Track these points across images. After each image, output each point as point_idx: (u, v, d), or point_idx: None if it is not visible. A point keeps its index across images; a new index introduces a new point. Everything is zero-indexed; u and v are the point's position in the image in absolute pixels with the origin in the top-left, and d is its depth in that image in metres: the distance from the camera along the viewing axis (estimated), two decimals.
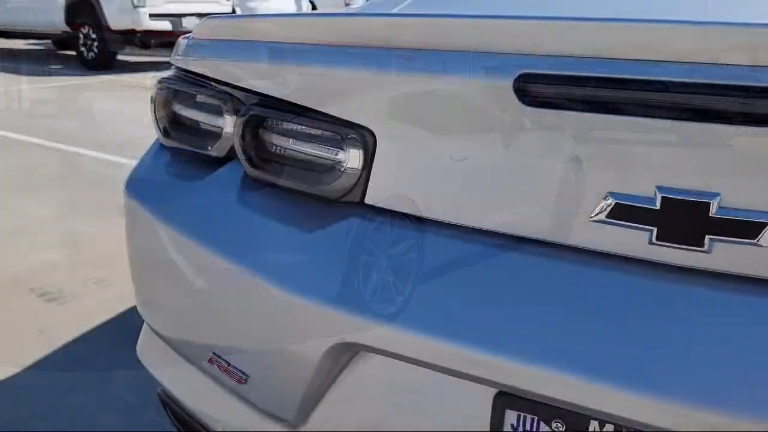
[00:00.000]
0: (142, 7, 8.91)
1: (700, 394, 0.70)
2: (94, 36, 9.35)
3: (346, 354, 0.89)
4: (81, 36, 9.58)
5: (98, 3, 9.18)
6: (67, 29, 9.84)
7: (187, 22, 9.05)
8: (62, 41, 11.56)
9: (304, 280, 0.90)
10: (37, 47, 13.10)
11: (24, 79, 8.84)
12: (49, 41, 12.66)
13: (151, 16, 8.94)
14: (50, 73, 9.32)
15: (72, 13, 9.62)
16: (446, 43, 0.81)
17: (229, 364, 1.02)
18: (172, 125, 1.23)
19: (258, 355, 0.96)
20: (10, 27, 10.65)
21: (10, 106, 7.00)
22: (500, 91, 0.77)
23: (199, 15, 9.17)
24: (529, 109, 0.76)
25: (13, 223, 3.61)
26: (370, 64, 0.87)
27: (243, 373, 0.99)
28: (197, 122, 1.18)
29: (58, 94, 7.65)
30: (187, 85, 1.16)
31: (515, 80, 0.76)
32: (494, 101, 0.77)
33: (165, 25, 9.09)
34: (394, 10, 1.09)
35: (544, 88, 0.75)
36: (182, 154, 1.22)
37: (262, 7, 10.55)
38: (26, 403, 2.06)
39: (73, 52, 10.61)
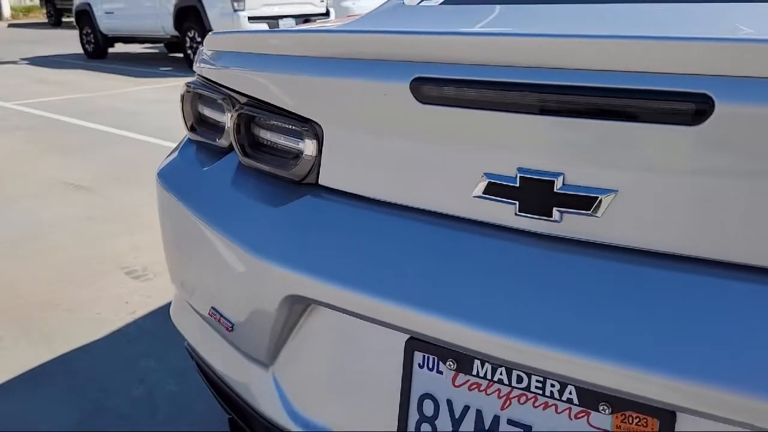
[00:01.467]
0: (242, 10, 9.43)
1: (547, 335, 0.86)
2: (199, 39, 9.97)
3: (298, 306, 1.10)
4: (187, 39, 10.24)
5: (203, 8, 9.78)
6: (176, 33, 10.53)
7: (284, 24, 9.50)
8: (173, 45, 12.38)
9: (267, 245, 1.12)
10: (151, 50, 14.03)
11: (134, 80, 9.57)
12: (162, 45, 13.56)
13: (250, 18, 9.44)
14: (159, 75, 10.03)
15: (180, 19, 10.29)
16: (365, 53, 1.00)
17: (221, 316, 1.25)
18: (195, 122, 1.47)
19: (238, 307, 1.19)
20: (125, 33, 11.50)
21: (118, 105, 7.63)
22: (401, 92, 0.95)
23: (295, 17, 9.61)
24: (422, 106, 0.95)
25: (107, 210, 4.05)
26: (316, 70, 1.07)
27: (230, 322, 1.23)
28: (210, 119, 1.42)
29: (164, 95, 8.25)
30: (203, 88, 1.40)
31: (411, 82, 0.94)
32: (398, 100, 0.96)
33: (263, 28, 9.57)
34: (342, 26, 1.29)
35: (433, 89, 0.93)
36: (202, 145, 1.46)
37: (356, 6, 10.89)
38: (104, 365, 2.40)
39: (182, 55, 11.35)
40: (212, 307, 1.27)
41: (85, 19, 12.12)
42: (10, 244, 3.56)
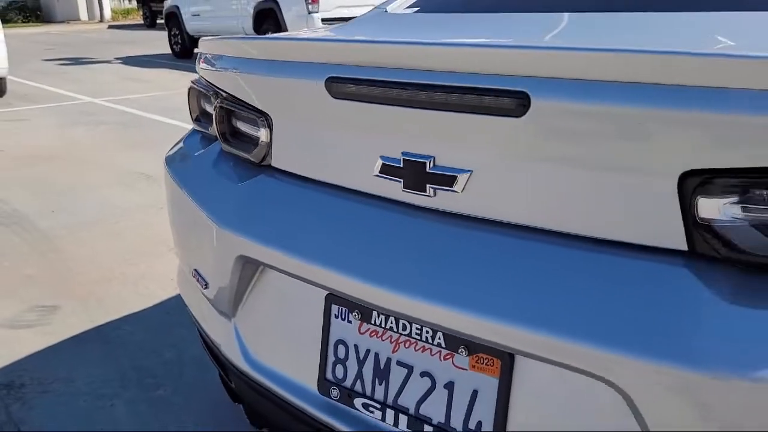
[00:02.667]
0: (316, 12, 9.79)
1: (421, 290, 1.05)
2: None
3: (249, 266, 1.32)
4: None
5: (279, 10, 10.20)
6: (255, 35, 11.02)
7: None
8: None
9: (227, 215, 1.35)
10: None
11: None
12: None
13: (324, 20, 9.78)
14: None
15: (259, 20, 10.76)
16: (297, 56, 1.22)
17: (199, 276, 1.49)
18: (197, 114, 1.72)
19: (209, 267, 1.43)
20: (209, 33, 12.09)
21: None
22: (319, 89, 1.16)
23: None
24: (334, 100, 1.15)
25: (155, 196, 4.41)
26: (267, 71, 1.30)
27: (205, 281, 1.46)
28: (205, 111, 1.66)
29: None
30: (201, 85, 1.65)
31: (325, 81, 1.15)
32: (318, 95, 1.17)
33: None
34: (290, 35, 1.50)
35: (341, 87, 1.13)
36: (201, 135, 1.71)
37: None
38: (144, 332, 2.71)
39: None
40: (194, 269, 1.52)
41: (174, 20, 12.82)
42: (80, 226, 3.96)
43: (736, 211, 0.84)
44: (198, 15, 12.19)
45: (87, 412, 2.23)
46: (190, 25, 12.47)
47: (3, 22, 21.62)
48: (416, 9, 1.77)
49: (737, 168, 0.83)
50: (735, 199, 0.84)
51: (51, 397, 2.32)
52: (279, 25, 10.34)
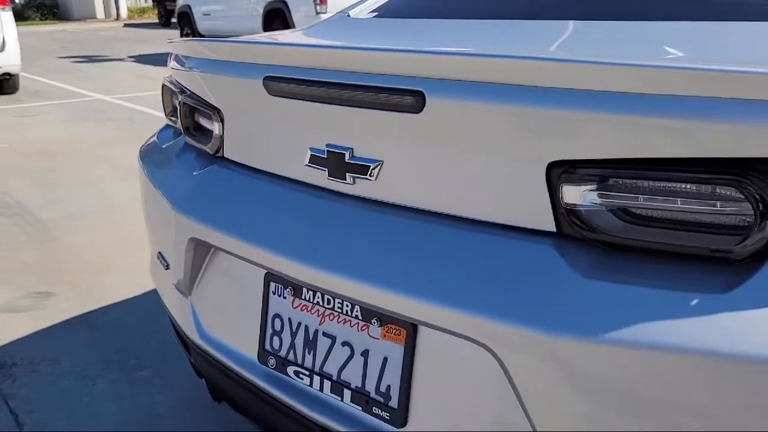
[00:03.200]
0: (324, 13, 9.93)
1: (341, 268, 1.18)
2: None
3: (201, 248, 1.46)
4: None
5: (288, 10, 10.36)
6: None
7: None
8: None
9: (182, 201, 1.48)
10: None
11: None
12: None
13: None
14: None
15: (268, 20, 10.93)
16: (241, 57, 1.35)
17: (162, 257, 1.63)
18: (169, 109, 1.86)
19: (169, 249, 1.56)
20: (220, 33, 12.27)
21: None
22: (258, 86, 1.29)
23: None
24: (271, 97, 1.28)
25: None
26: (218, 70, 1.43)
27: (166, 261, 1.60)
28: (175, 107, 1.80)
29: None
30: (171, 83, 1.78)
31: (263, 80, 1.28)
32: (257, 92, 1.30)
33: None
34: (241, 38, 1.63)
35: (275, 85, 1.26)
36: (172, 128, 1.85)
37: None
38: (133, 317, 2.86)
39: None
40: (159, 252, 1.65)
41: (186, 20, 13.02)
42: (79, 218, 4.12)
43: (594, 197, 0.96)
44: (209, 14, 12.38)
45: (70, 389, 2.38)
46: (202, 25, 12.67)
47: (21, 20, 21.97)
48: (375, 14, 1.89)
49: (594, 159, 0.95)
50: (593, 186, 0.96)
51: (38, 376, 2.47)
52: (288, 26, 10.49)
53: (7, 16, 8.10)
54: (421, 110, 1.06)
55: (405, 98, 1.06)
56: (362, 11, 1.94)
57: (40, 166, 5.35)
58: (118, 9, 23.57)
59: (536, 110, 0.97)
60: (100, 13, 23.50)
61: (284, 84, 1.24)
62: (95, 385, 2.40)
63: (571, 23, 1.44)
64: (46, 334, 2.77)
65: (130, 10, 24.43)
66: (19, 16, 22.47)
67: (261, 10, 11.04)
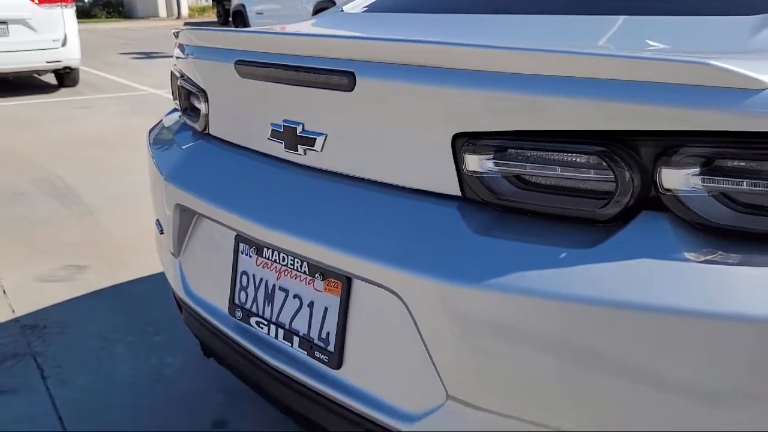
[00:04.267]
0: None
1: (292, 228, 1.35)
2: None
3: (185, 213, 1.64)
4: None
5: None
6: None
7: None
8: None
9: (172, 172, 1.67)
10: None
11: None
12: None
13: None
14: None
15: None
16: (219, 44, 1.53)
17: (158, 223, 1.82)
18: (175, 93, 2.06)
19: (162, 216, 1.76)
20: None
21: None
22: (231, 69, 1.47)
23: None
24: (241, 79, 1.46)
25: None
26: (204, 55, 1.61)
27: (161, 227, 1.80)
28: (178, 90, 2.00)
29: None
30: (176, 69, 1.98)
31: (234, 63, 1.46)
32: (231, 75, 1.48)
33: None
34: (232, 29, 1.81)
35: (243, 68, 1.44)
36: (177, 110, 2.05)
37: None
38: (156, 290, 3.08)
39: None
40: (157, 219, 1.85)
41: (240, 18, 13.40)
42: (119, 201, 4.40)
43: (491, 165, 1.10)
44: (261, 13, 12.72)
45: (93, 350, 2.61)
46: (255, 23, 13.02)
47: (87, 18, 22.84)
48: (365, 9, 2.06)
49: (491, 132, 1.09)
50: (490, 155, 1.10)
51: (66, 338, 2.71)
52: None
53: (69, 12, 8.54)
54: (353, 89, 1.22)
55: (340, 78, 1.22)
56: (355, 7, 2.10)
57: (92, 155, 5.68)
58: (179, 8, 24.30)
59: (443, 89, 1.12)
60: (162, 11, 24.27)
61: (250, 67, 1.42)
62: (116, 347, 2.63)
63: (527, 17, 1.58)
64: (78, 301, 3.02)
65: (191, 8, 25.14)
66: (87, 14, 23.42)
67: (311, 9, 11.31)
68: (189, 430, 2.14)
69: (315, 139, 1.32)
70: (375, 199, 1.25)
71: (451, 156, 1.13)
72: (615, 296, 0.97)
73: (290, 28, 1.84)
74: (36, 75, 9.37)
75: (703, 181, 0.97)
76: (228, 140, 1.60)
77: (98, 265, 3.40)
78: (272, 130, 1.41)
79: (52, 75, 9.23)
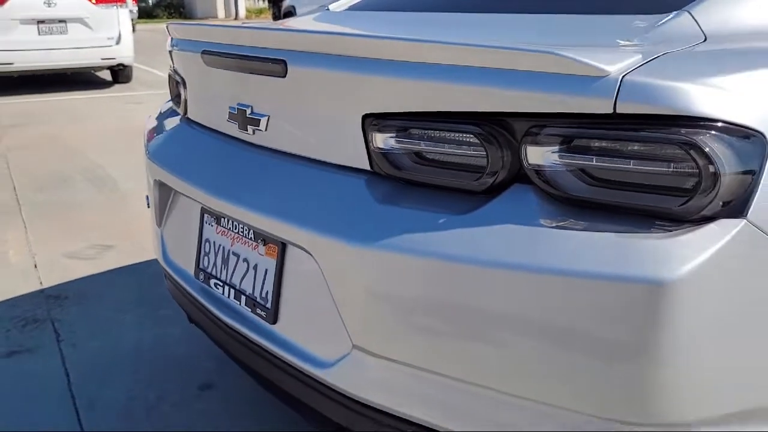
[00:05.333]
0: None
1: (242, 200, 1.52)
2: None
3: (164, 189, 1.84)
4: None
5: None
6: None
7: None
8: None
9: (154, 150, 1.87)
10: None
11: None
12: None
13: None
14: None
15: None
16: (191, 36, 1.72)
17: (147, 199, 2.03)
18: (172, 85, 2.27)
19: (148, 191, 1.96)
20: None
21: None
22: (198, 58, 1.66)
23: None
24: (206, 67, 1.64)
25: None
26: (182, 46, 1.81)
27: (148, 202, 2.00)
28: (169, 79, 2.20)
29: None
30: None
31: (201, 53, 1.65)
32: (199, 63, 1.66)
33: None
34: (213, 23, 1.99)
35: (207, 57, 1.62)
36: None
37: None
38: None
39: None
40: (146, 195, 2.06)
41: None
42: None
43: (393, 142, 1.26)
44: None
45: (105, 319, 2.85)
46: None
47: (150, 18, 23.62)
48: (347, 8, 2.23)
49: (392, 113, 1.25)
50: (393, 134, 1.26)
51: (83, 308, 2.96)
52: None
53: (124, 12, 8.96)
54: (285, 75, 1.39)
55: (275, 66, 1.39)
56: (339, 6, 2.27)
57: (135, 147, 5.98)
58: (237, 9, 24.93)
59: (354, 75, 1.28)
60: (220, 12, 24.94)
61: (212, 57, 1.60)
62: (125, 317, 2.86)
63: (477, 15, 1.72)
64: (99, 277, 3.28)
65: (248, 10, 25.76)
66: (149, 14, 24.23)
67: None
68: (178, 392, 2.35)
69: (260, 120, 1.50)
70: (305, 173, 1.41)
71: (362, 134, 1.29)
72: (482, 256, 1.11)
73: (263, 23, 2.02)
74: (92, 71, 9.85)
75: (561, 158, 1.10)
76: (200, 122, 1.79)
77: (122, 245, 3.65)
78: (229, 112, 1.60)
79: (108, 71, 9.69)
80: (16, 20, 8.40)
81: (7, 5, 8.32)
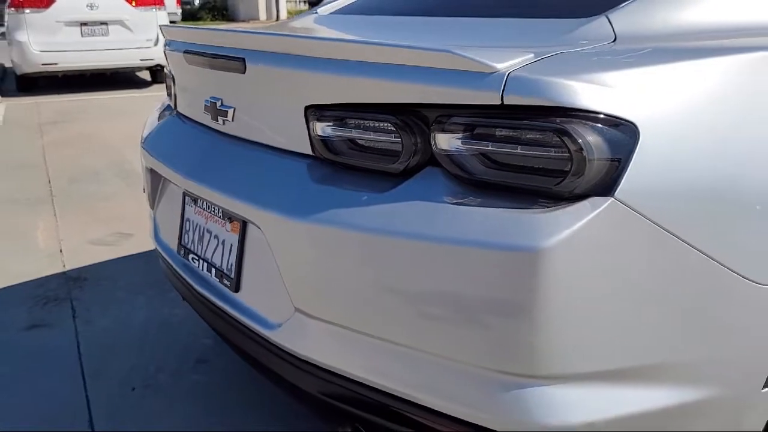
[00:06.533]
0: None
1: (213, 183, 1.72)
2: None
3: (155, 175, 2.05)
4: None
5: None
6: None
7: None
8: None
9: (147, 140, 2.08)
10: None
11: None
12: None
13: None
14: None
15: None
16: (177, 37, 1.92)
17: (144, 188, 2.24)
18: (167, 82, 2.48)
19: (143, 178, 2.17)
20: None
21: None
22: (182, 57, 1.86)
23: None
24: (187, 65, 1.84)
25: None
26: (171, 47, 2.02)
27: (144, 188, 2.21)
28: (165, 76, 2.41)
29: None
30: None
31: (183, 52, 1.85)
32: (182, 62, 1.86)
33: None
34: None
35: (188, 56, 1.82)
36: None
37: None
38: None
39: None
40: (143, 188, 2.27)
41: None
42: None
43: (330, 131, 1.43)
44: None
45: (118, 299, 3.09)
46: None
47: (194, 20, 24.15)
48: (332, 12, 2.41)
49: (328, 104, 1.42)
50: (330, 123, 1.43)
51: (99, 289, 3.21)
52: None
53: (162, 14, 9.32)
54: (245, 71, 1.58)
55: (236, 63, 1.58)
56: (326, 10, 2.46)
57: None
58: (278, 11, 25.37)
59: (298, 71, 1.46)
60: (262, 14, 25.40)
61: (191, 55, 1.80)
62: (137, 298, 3.09)
63: (446, 19, 1.89)
64: (117, 261, 3.53)
65: (289, 12, 26.17)
66: (193, 17, 24.79)
67: None
68: (176, 365, 2.56)
69: (227, 111, 1.69)
70: (262, 157, 1.60)
71: (305, 123, 1.47)
72: (394, 229, 1.28)
73: (230, 26, 2.22)
74: (132, 71, 10.24)
75: (464, 144, 1.26)
76: (186, 114, 2.00)
77: (142, 234, 3.90)
78: (204, 105, 1.79)
79: (147, 72, 10.06)
80: (61, 22, 8.82)
81: (52, 8, 8.74)
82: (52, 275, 3.41)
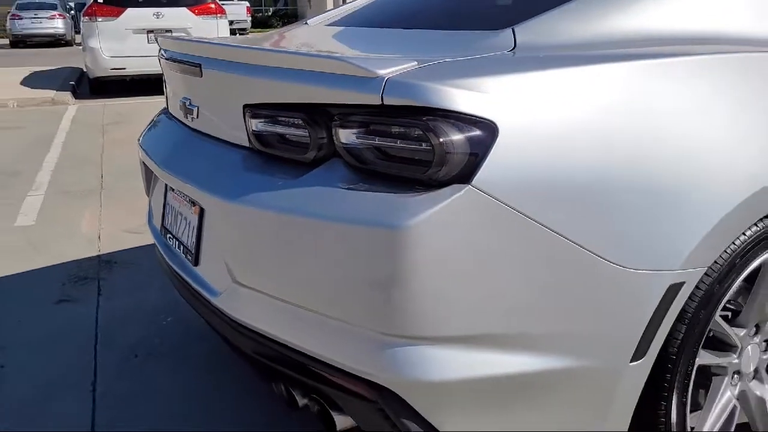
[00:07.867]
0: None
1: (185, 174, 1.99)
2: None
3: (148, 169, 2.34)
4: None
5: None
6: None
7: None
8: None
9: (144, 140, 2.38)
10: None
11: None
12: None
13: None
14: None
15: None
16: (166, 46, 2.21)
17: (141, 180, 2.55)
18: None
19: (140, 170, 2.47)
20: None
21: None
22: (165, 62, 2.14)
23: None
24: (170, 71, 2.12)
25: None
26: (163, 54, 2.31)
27: (143, 181, 2.52)
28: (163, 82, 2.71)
29: None
30: None
31: (164, 59, 2.13)
32: (166, 67, 2.15)
33: None
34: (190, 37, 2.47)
35: (167, 62, 2.10)
36: None
37: None
38: None
39: None
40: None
41: None
42: None
43: (262, 126, 1.68)
44: None
45: (139, 280, 3.42)
46: None
47: (266, 27, 24.89)
48: (319, 23, 2.66)
49: (260, 103, 1.67)
50: (260, 120, 1.68)
51: (125, 271, 3.55)
52: None
53: (223, 23, 9.81)
54: (202, 75, 1.84)
55: (195, 69, 1.85)
56: (314, 22, 2.71)
57: None
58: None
59: (238, 75, 1.71)
60: None
61: (169, 62, 2.08)
62: (155, 281, 3.42)
63: (400, 30, 2.12)
64: (145, 248, 3.87)
65: None
66: (264, 24, 25.58)
67: None
68: (178, 340, 2.85)
69: (194, 109, 1.96)
70: (215, 150, 1.86)
71: (243, 120, 1.72)
72: (299, 209, 1.51)
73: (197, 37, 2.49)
74: None
75: (358, 138, 1.48)
76: (173, 114, 2.28)
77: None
78: (179, 104, 2.07)
79: None
80: (129, 30, 9.41)
81: (122, 17, 9.34)
82: (87, 258, 3.77)
